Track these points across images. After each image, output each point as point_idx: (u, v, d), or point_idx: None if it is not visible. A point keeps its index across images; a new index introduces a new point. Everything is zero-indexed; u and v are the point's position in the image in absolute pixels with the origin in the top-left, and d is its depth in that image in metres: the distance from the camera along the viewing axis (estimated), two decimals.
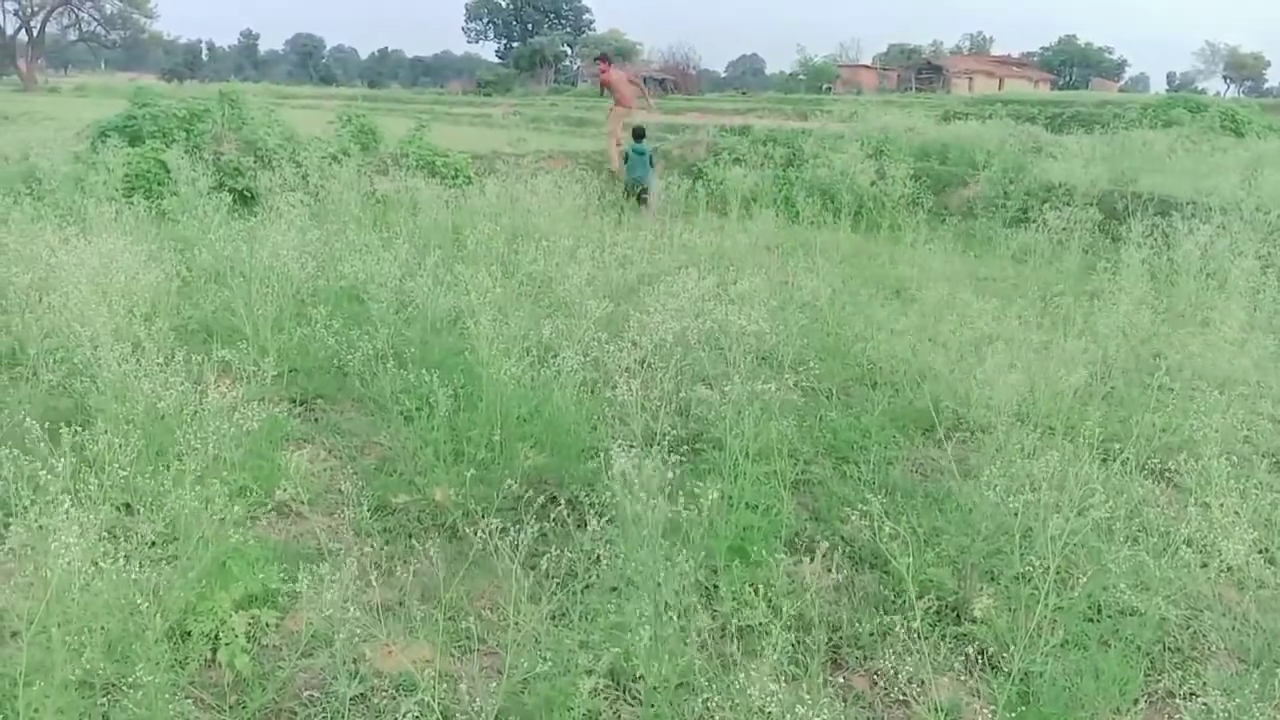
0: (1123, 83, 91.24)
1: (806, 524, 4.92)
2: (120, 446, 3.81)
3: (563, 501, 3.94)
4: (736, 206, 13.62)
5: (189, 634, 3.58)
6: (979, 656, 3.66)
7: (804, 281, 7.93)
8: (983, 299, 6.53)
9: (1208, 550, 3.62)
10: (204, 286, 7.59)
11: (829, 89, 65.35)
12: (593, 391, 5.69)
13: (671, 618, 3.20)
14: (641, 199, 14.86)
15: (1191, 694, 3.50)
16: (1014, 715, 3.26)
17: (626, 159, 15.52)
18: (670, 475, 3.42)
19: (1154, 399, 5.62)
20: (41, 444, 3.56)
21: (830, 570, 4.01)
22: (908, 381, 6.38)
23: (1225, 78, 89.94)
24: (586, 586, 3.73)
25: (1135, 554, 3.75)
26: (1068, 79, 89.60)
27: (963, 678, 3.74)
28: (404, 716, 3.10)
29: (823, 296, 7.89)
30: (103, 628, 3.16)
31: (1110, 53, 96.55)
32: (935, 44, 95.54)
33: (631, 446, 3.83)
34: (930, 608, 3.73)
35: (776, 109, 40.65)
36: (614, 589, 3.74)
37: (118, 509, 4.04)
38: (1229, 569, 3.62)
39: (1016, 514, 3.82)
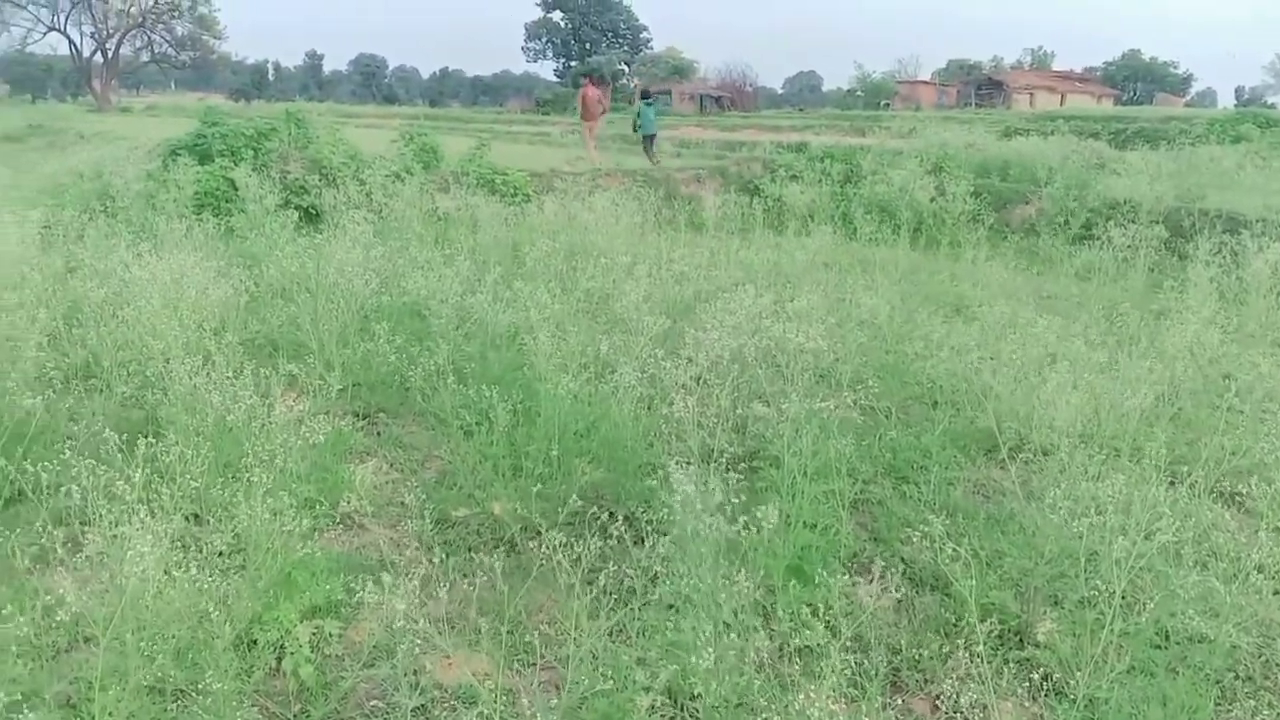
0: (1189, 98, 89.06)
1: (865, 544, 4.88)
2: (191, 458, 3.92)
3: (620, 518, 3.96)
4: (794, 223, 13.60)
5: (255, 643, 3.66)
6: (1043, 682, 3.60)
7: (862, 299, 7.89)
8: (1045, 317, 6.42)
9: None
10: (271, 302, 7.75)
11: (887, 105, 64.88)
12: (649, 408, 5.70)
13: (731, 637, 3.20)
14: (648, 145, 20.39)
15: None
16: None
17: (639, 115, 20.80)
18: (732, 497, 3.43)
19: (1223, 421, 5.50)
20: (117, 455, 3.68)
21: (890, 591, 3.98)
22: (969, 401, 6.30)
23: None
24: (644, 603, 3.74)
25: (1204, 579, 3.66)
26: (1132, 94, 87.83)
27: (1026, 703, 3.69)
28: None
29: (881, 314, 7.83)
30: (173, 635, 3.25)
31: (1175, 67, 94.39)
32: (995, 59, 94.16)
33: (688, 463, 3.84)
34: (992, 631, 3.69)
35: (834, 125, 40.48)
36: (671, 606, 3.74)
37: (187, 519, 4.15)
38: None
39: (1081, 537, 3.76)
